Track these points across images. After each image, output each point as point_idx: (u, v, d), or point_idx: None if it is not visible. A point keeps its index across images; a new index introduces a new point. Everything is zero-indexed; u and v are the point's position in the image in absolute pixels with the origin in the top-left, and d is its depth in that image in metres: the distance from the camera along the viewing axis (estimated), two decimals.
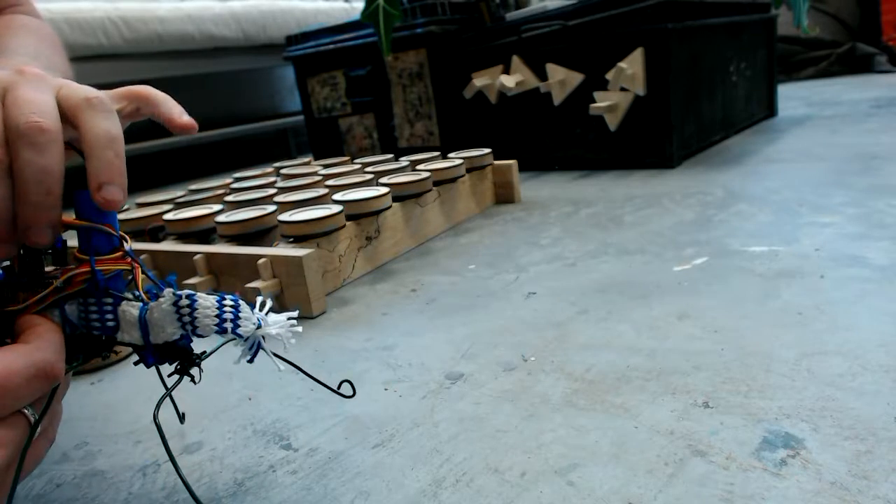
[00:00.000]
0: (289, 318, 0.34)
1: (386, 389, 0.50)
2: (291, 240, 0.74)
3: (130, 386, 0.57)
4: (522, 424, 0.43)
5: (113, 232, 0.33)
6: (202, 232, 0.84)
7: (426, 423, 0.44)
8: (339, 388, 0.37)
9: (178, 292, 0.32)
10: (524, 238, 0.87)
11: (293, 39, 1.73)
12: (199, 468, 0.42)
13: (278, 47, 1.96)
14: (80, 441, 0.48)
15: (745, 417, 0.40)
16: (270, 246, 0.76)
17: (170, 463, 0.43)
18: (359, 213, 0.80)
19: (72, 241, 0.33)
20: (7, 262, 0.33)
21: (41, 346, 0.29)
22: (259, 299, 0.34)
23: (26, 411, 0.29)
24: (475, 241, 0.89)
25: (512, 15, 1.41)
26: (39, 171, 0.29)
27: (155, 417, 0.32)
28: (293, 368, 0.36)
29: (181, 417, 0.37)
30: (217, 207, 0.88)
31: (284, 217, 0.75)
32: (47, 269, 0.33)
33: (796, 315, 0.53)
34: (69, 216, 0.32)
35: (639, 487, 0.35)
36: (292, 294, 0.68)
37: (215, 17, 2.00)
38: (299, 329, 0.34)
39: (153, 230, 0.88)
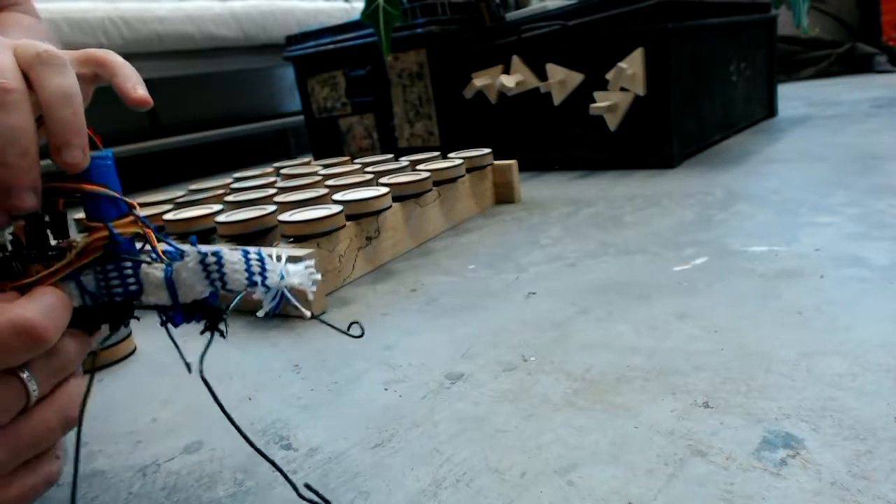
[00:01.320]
0: (307, 267, 0.34)
1: (386, 389, 0.50)
2: (291, 240, 0.74)
3: (130, 386, 0.57)
4: (522, 424, 0.43)
5: (119, 196, 0.32)
6: (202, 232, 0.84)
7: (426, 423, 0.44)
8: (349, 329, 0.37)
9: (203, 249, 0.31)
10: (524, 238, 0.87)
11: (293, 39, 1.72)
12: (199, 468, 0.42)
13: (278, 47, 1.96)
14: (80, 441, 0.48)
15: (745, 417, 0.40)
16: (270, 246, 0.75)
17: (171, 462, 0.43)
18: (359, 213, 0.80)
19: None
20: (11, 237, 0.32)
21: (26, 305, 0.28)
22: (274, 252, 0.34)
23: (23, 374, 0.28)
24: (475, 241, 0.89)
25: (512, 15, 1.41)
26: (11, 130, 0.28)
27: (201, 373, 0.32)
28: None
29: (188, 366, 0.36)
30: (217, 207, 0.88)
31: (284, 217, 0.75)
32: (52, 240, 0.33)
33: (796, 315, 0.53)
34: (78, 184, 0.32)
35: (639, 487, 0.35)
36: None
37: (215, 17, 2.00)
38: (318, 276, 0.34)
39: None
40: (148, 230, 0.33)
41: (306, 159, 1.26)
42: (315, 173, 1.05)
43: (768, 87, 1.70)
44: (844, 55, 2.58)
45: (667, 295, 0.61)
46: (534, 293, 0.66)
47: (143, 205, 1.00)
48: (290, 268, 0.34)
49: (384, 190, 0.83)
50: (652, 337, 0.53)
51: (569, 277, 0.69)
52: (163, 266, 0.32)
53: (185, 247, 0.32)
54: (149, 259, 0.33)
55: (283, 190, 0.95)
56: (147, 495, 0.40)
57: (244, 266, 0.32)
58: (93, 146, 0.32)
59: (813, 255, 0.66)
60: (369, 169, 1.03)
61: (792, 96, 2.08)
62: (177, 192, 1.06)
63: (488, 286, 0.70)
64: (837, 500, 0.32)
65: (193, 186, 1.08)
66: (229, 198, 0.92)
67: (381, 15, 1.26)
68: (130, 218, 0.33)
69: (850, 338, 0.48)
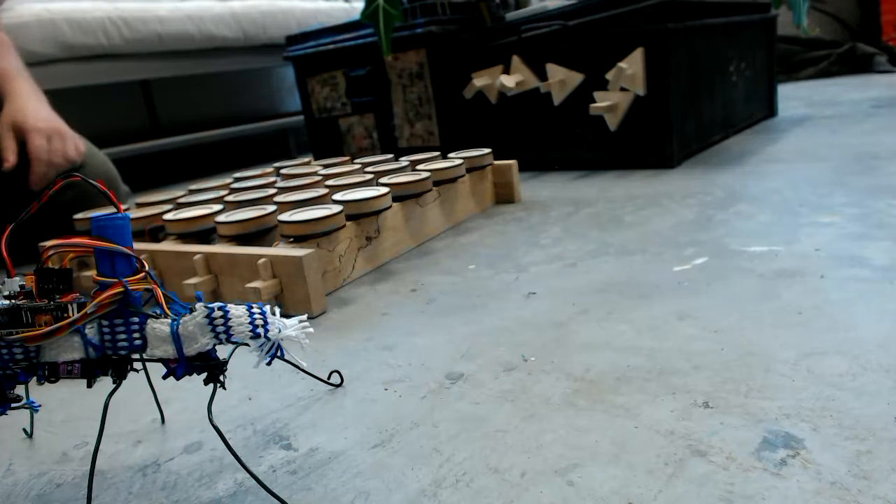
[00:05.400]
0: (300, 322, 0.37)
1: (386, 389, 0.50)
2: (291, 240, 0.74)
3: (130, 386, 0.57)
4: (522, 424, 0.43)
5: (135, 254, 0.35)
6: (202, 232, 0.84)
7: (426, 423, 0.44)
8: (328, 378, 0.39)
9: (210, 305, 0.34)
10: (524, 238, 0.87)
11: (293, 39, 1.72)
12: (199, 468, 0.42)
13: (278, 47, 1.96)
14: (80, 441, 0.48)
15: (745, 417, 0.40)
16: (270, 246, 0.76)
17: (171, 462, 0.43)
18: (359, 213, 0.80)
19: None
20: (18, 289, 0.34)
21: None
22: (266, 307, 0.36)
23: None
24: (475, 241, 0.89)
25: (512, 15, 1.41)
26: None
27: (211, 420, 0.34)
28: (291, 368, 0.38)
29: (163, 417, 0.40)
30: (217, 207, 0.88)
31: (284, 217, 0.75)
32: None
33: (796, 315, 0.53)
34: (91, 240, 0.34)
35: (639, 487, 0.35)
36: (292, 294, 0.68)
37: (215, 17, 2.00)
38: (311, 330, 0.37)
39: (153, 230, 0.88)
40: (156, 286, 0.35)
41: (306, 159, 1.26)
42: (315, 173, 1.05)
43: (768, 87, 1.70)
44: (844, 55, 2.58)
45: (667, 295, 0.61)
46: (534, 293, 0.66)
47: (143, 205, 1.00)
48: (286, 321, 0.37)
49: (384, 190, 0.83)
50: (652, 337, 0.53)
51: (569, 277, 0.69)
52: (169, 321, 0.34)
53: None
54: (154, 314, 0.35)
55: (282, 190, 0.95)
56: (147, 495, 0.40)
57: (248, 319, 0.34)
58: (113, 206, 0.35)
59: (813, 255, 0.66)
60: (369, 169, 1.03)
61: (792, 96, 2.08)
62: (177, 192, 1.06)
63: (488, 286, 0.70)
64: (837, 500, 0.32)
65: (193, 186, 1.08)
66: (229, 198, 0.92)
67: (381, 15, 1.26)
68: (142, 275, 0.35)
69: (850, 338, 0.48)
